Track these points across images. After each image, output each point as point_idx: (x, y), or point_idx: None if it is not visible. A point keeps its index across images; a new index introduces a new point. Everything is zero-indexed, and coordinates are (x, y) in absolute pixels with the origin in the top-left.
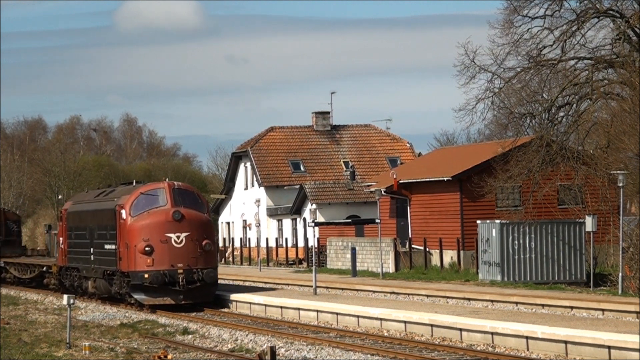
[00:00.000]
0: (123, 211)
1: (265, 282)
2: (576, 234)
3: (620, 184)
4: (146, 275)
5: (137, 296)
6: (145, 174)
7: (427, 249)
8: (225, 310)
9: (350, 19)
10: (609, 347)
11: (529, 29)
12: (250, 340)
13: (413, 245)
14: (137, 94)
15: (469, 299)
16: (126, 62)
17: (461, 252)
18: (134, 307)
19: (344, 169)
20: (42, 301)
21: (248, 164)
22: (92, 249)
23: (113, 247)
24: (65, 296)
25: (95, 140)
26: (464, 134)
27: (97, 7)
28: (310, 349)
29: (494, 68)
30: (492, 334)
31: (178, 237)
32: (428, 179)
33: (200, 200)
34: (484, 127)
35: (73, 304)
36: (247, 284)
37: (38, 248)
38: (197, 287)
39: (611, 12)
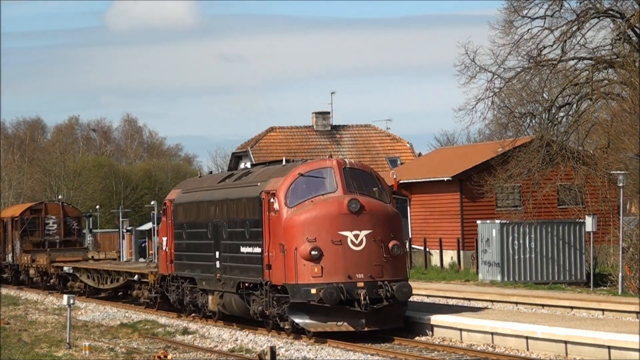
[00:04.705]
0: (275, 200)
1: None
2: (576, 234)
3: (620, 184)
4: (314, 291)
5: (299, 319)
6: (146, 174)
7: (427, 249)
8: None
9: (350, 18)
10: (609, 347)
11: (529, 29)
12: (251, 340)
13: (413, 245)
14: (132, 94)
15: (469, 299)
16: (119, 61)
17: (461, 252)
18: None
19: None
20: (42, 301)
21: (248, 164)
22: (217, 253)
23: (257, 250)
24: (65, 296)
25: (95, 140)
26: (464, 134)
27: (88, 7)
28: (310, 349)
29: (494, 68)
30: (492, 334)
31: (356, 236)
32: (428, 179)
33: (381, 184)
34: (484, 127)
35: (73, 304)
36: None
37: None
38: (385, 307)
39: (611, 12)
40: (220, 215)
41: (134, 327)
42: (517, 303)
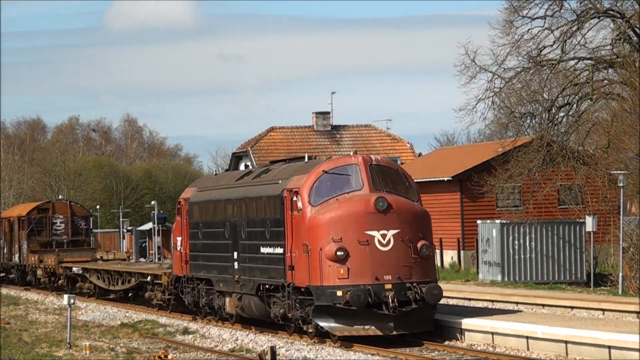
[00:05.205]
0: (298, 198)
1: None
2: (576, 233)
3: (621, 184)
4: (340, 293)
5: (324, 323)
6: (146, 174)
7: None
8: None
9: (350, 18)
10: (609, 347)
11: (529, 29)
12: (251, 340)
13: None
14: (132, 94)
15: (469, 299)
16: (119, 61)
17: (461, 252)
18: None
19: None
20: (42, 301)
21: (249, 164)
22: (235, 254)
23: (278, 250)
24: (65, 296)
25: (95, 140)
26: (464, 134)
27: (87, 8)
28: (310, 349)
29: (494, 68)
30: (493, 334)
31: (384, 236)
32: (428, 179)
33: (408, 182)
34: (485, 127)
35: (73, 303)
36: None
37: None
38: (414, 310)
39: (611, 12)
40: (238, 214)
41: (134, 327)
42: (517, 303)
